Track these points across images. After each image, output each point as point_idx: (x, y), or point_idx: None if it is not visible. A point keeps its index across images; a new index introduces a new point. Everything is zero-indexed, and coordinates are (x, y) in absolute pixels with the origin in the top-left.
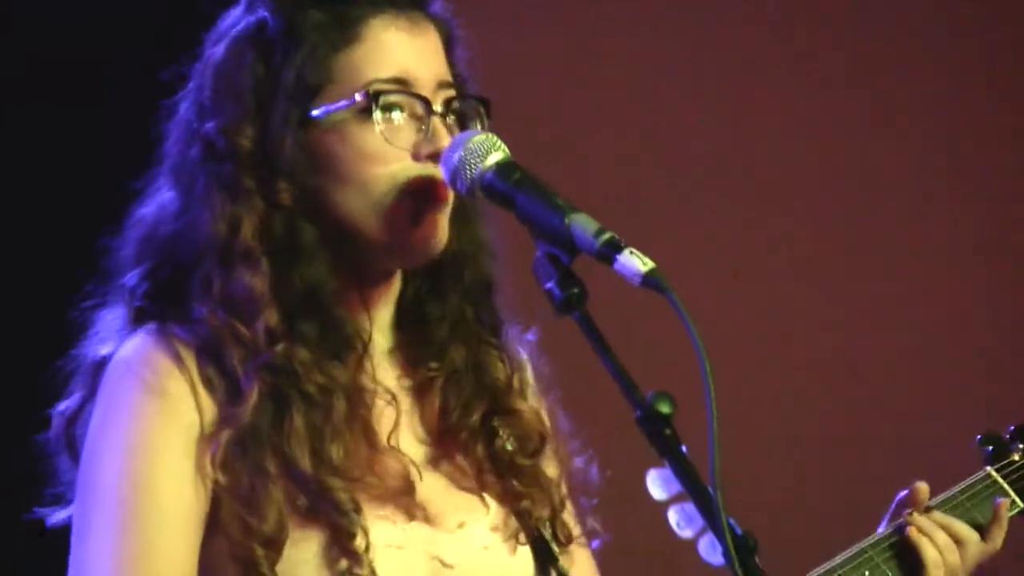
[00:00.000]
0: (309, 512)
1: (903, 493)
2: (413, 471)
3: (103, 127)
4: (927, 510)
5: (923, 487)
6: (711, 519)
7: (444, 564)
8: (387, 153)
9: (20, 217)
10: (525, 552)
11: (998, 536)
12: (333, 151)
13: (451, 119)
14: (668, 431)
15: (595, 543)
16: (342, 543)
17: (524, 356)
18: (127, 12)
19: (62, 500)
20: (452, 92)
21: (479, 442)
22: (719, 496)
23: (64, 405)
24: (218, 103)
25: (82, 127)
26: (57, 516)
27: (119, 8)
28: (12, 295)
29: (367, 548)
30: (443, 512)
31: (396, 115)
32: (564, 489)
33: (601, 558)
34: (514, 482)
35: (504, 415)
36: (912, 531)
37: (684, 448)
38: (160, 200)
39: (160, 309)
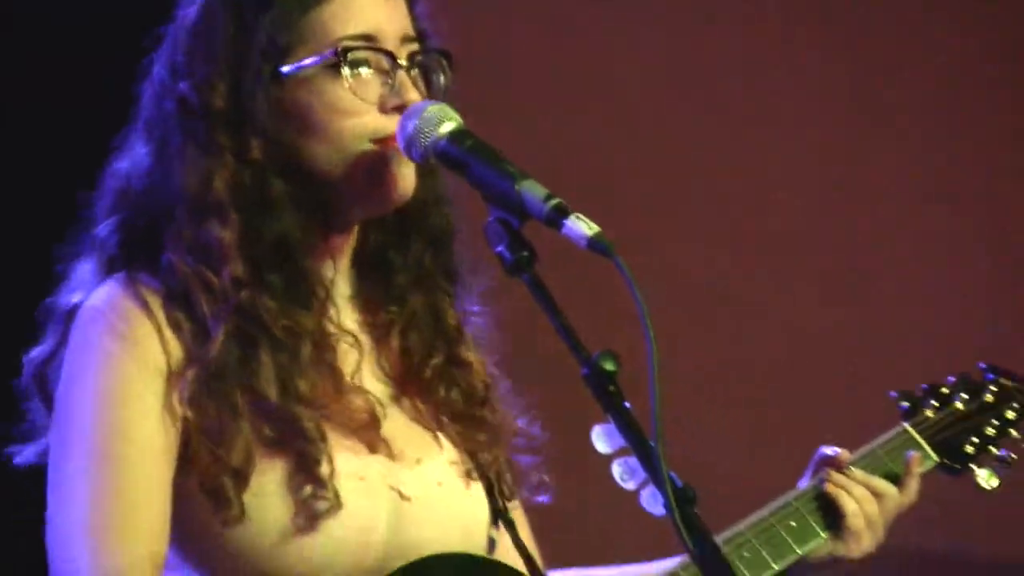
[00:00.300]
0: (275, 442)
1: (823, 450)
2: (377, 408)
3: (103, 127)
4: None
5: (844, 455)
6: (653, 471)
7: (403, 496)
8: (356, 106)
9: (20, 214)
10: (478, 489)
11: (912, 488)
12: (304, 106)
13: (415, 72)
14: (612, 388)
15: (544, 498)
16: (307, 470)
17: (473, 312)
18: (127, 12)
19: (30, 438)
20: (416, 46)
21: (438, 385)
22: (660, 449)
23: (36, 351)
24: (191, 62)
25: (82, 127)
26: (26, 454)
27: (119, 8)
28: (9, 293)
29: (331, 475)
30: (403, 448)
31: (363, 70)
32: (504, 452)
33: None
34: (466, 430)
35: (454, 365)
36: (829, 487)
37: (627, 404)
38: (134, 155)
39: (129, 258)
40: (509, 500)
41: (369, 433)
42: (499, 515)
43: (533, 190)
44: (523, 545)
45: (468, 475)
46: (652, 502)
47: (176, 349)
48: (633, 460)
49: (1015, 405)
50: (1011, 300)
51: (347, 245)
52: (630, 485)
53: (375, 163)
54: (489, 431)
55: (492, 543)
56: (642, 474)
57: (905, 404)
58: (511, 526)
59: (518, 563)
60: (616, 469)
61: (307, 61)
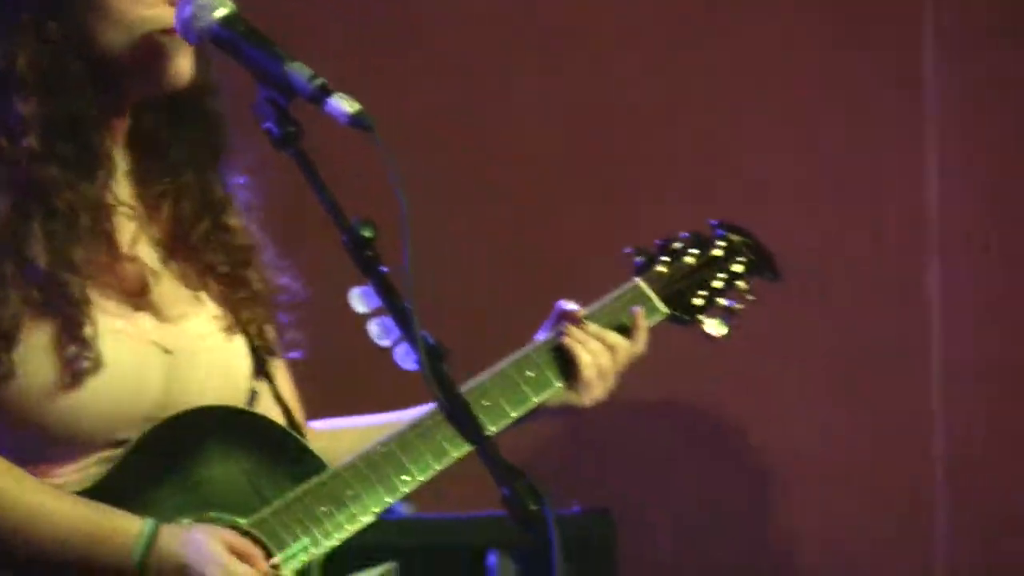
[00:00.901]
0: (43, 305)
1: (561, 304)
2: (148, 275)
3: None
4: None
5: (579, 311)
6: (406, 330)
7: (165, 350)
8: None
9: None
10: (239, 342)
11: (642, 340)
12: None
13: None
14: (369, 253)
15: (298, 353)
16: (71, 331)
17: (235, 200)
18: None
19: None
20: None
21: (204, 248)
22: (413, 309)
23: None
24: None
25: None
26: None
27: None
28: None
29: (95, 336)
30: (168, 307)
31: None
32: (268, 307)
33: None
34: (229, 291)
35: (220, 230)
36: (565, 339)
37: (384, 268)
38: None
39: None
40: (270, 355)
41: (136, 298)
42: (260, 368)
43: (299, 70)
44: (281, 397)
45: (230, 329)
46: (405, 358)
47: None
48: (388, 320)
49: (741, 259)
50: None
51: (125, 123)
52: (385, 342)
53: (158, 49)
54: (251, 291)
55: (254, 395)
56: (396, 332)
57: (639, 259)
58: (271, 380)
59: (277, 414)
60: (372, 328)
61: None
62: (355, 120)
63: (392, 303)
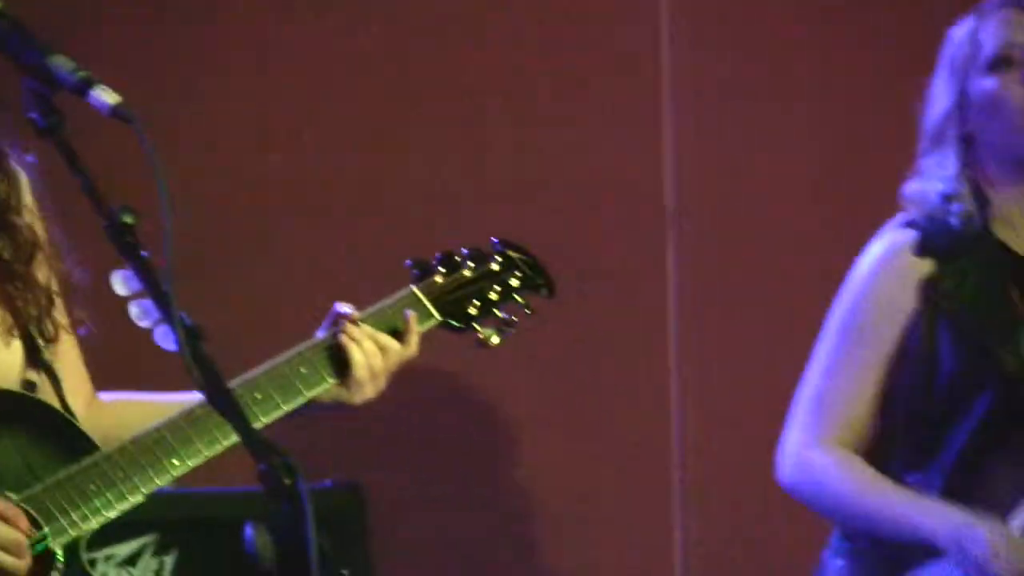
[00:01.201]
0: None
1: (337, 306)
2: None
3: None
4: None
5: (355, 314)
6: (166, 312)
7: None
8: None
9: None
10: (16, 344)
11: (413, 343)
12: None
13: None
14: (129, 238)
15: (83, 330)
16: None
17: (24, 178)
18: None
19: None
20: None
21: None
22: (172, 293)
23: None
24: None
25: None
26: None
27: None
28: None
29: None
30: None
31: None
32: (53, 290)
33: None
34: (9, 286)
35: (3, 229)
36: (343, 338)
37: (145, 253)
38: None
39: None
40: (53, 338)
41: None
42: (37, 356)
43: (62, 63)
44: (59, 387)
45: (9, 332)
46: (164, 339)
47: None
48: (148, 302)
49: (518, 274)
50: None
51: None
52: (145, 324)
53: None
54: (33, 284)
55: (32, 386)
56: (156, 314)
57: (417, 271)
58: (49, 371)
59: (55, 401)
60: (133, 310)
61: None
62: (115, 111)
63: (151, 286)
